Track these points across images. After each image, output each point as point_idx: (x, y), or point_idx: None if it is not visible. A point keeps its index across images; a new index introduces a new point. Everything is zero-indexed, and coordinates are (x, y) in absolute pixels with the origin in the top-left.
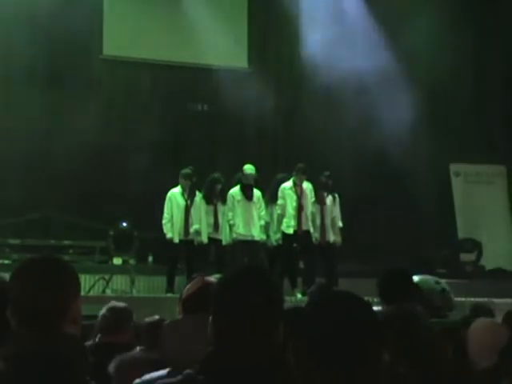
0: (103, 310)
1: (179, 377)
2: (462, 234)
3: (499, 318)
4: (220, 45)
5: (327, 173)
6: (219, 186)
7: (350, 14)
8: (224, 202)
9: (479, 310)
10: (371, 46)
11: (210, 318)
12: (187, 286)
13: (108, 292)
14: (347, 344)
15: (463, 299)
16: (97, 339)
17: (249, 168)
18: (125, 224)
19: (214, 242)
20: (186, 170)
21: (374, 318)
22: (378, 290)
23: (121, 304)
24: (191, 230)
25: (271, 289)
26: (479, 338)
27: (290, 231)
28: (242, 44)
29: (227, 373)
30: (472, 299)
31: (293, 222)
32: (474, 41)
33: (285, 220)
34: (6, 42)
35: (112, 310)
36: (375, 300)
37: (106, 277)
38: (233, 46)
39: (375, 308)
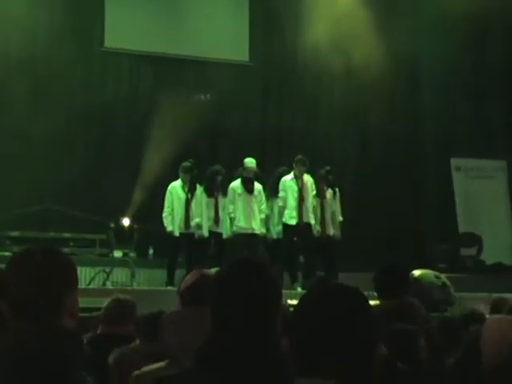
0: (107, 301)
1: (177, 369)
2: (462, 228)
3: None
4: (221, 38)
5: (328, 167)
6: (220, 178)
7: (350, 10)
8: (225, 194)
9: (500, 306)
10: (371, 39)
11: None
12: (185, 279)
13: (108, 285)
14: (341, 337)
15: (463, 294)
16: (99, 330)
17: (249, 161)
18: (126, 223)
19: (214, 235)
20: (186, 164)
21: (369, 310)
22: (373, 285)
23: (125, 296)
24: (192, 223)
25: (268, 282)
26: (492, 334)
27: (293, 222)
28: (244, 38)
29: (224, 365)
30: (473, 294)
31: (295, 213)
32: (474, 34)
33: (287, 212)
34: (6, 34)
35: (116, 301)
36: (376, 294)
37: (107, 269)
38: (234, 40)
39: (373, 302)
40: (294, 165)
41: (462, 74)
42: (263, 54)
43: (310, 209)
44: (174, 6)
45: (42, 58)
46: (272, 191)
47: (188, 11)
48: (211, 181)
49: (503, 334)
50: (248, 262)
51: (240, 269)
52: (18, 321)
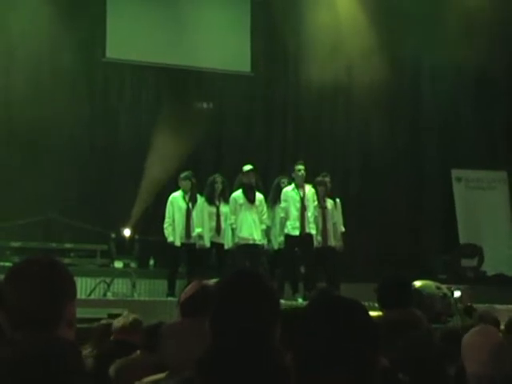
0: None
1: (177, 379)
2: (463, 239)
3: (501, 324)
4: (224, 49)
5: (324, 173)
6: (219, 180)
7: (351, 20)
8: (226, 202)
9: (484, 318)
10: (372, 49)
11: (207, 321)
12: (185, 290)
13: (109, 295)
14: (344, 349)
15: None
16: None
17: (247, 166)
18: (127, 233)
19: (215, 245)
20: (184, 173)
21: (370, 323)
22: (376, 296)
23: (133, 315)
24: (193, 234)
25: (267, 293)
26: (471, 342)
27: (296, 233)
28: (246, 48)
29: (224, 376)
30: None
31: (297, 224)
32: (477, 45)
33: (289, 222)
34: (9, 46)
35: (126, 316)
36: (376, 305)
37: (107, 280)
38: (236, 51)
39: (375, 313)
40: (292, 173)
41: (463, 86)
42: (265, 64)
43: (312, 219)
44: (175, 16)
45: (45, 69)
46: (273, 201)
47: (190, 22)
48: (211, 188)
49: (480, 343)
50: (246, 272)
51: (238, 280)
52: (17, 331)
